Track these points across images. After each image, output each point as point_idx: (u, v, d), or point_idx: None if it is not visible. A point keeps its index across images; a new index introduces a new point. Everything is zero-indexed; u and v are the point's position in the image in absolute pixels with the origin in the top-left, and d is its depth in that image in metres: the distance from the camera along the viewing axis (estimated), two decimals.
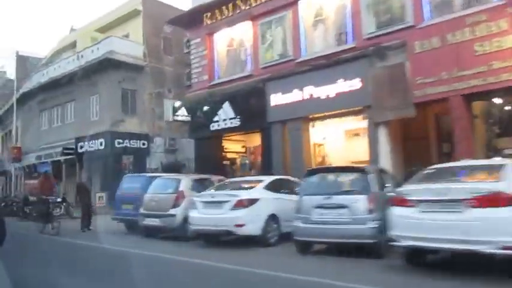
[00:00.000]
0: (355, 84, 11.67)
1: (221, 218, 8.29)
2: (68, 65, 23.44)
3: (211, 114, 15.46)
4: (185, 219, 9.16)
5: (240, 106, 14.57)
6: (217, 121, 15.25)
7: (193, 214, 8.75)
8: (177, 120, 16.38)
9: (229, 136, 15.79)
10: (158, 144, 22.14)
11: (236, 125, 14.66)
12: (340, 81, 11.90)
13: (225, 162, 16.09)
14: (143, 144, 21.38)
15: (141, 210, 10.06)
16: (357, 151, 12.69)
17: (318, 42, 13.31)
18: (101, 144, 20.39)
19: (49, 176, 15.81)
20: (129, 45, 21.46)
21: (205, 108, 15.66)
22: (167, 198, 9.73)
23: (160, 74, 22.78)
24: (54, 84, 24.06)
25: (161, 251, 8.18)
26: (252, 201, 8.32)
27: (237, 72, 15.28)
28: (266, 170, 13.28)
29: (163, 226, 9.56)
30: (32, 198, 17.20)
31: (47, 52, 33.41)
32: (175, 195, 9.64)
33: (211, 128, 15.40)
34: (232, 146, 16.55)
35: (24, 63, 41.59)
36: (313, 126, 13.57)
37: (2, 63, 78.23)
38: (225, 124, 14.98)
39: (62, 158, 23.37)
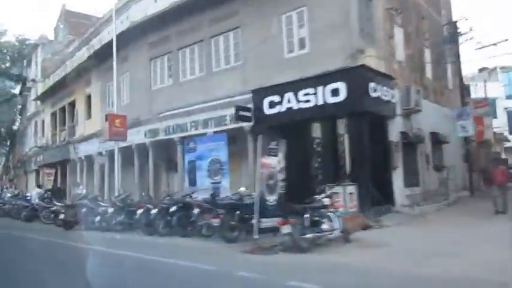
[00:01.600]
0: None
1: None
2: None
3: None
4: None
5: None
6: None
7: None
8: None
9: None
10: (395, 101, 12.54)
11: None
12: None
13: None
14: (392, 96, 11.75)
15: None
16: None
17: None
18: (334, 93, 10.64)
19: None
20: None
21: None
22: None
23: None
24: (185, 10, 14.40)
25: None
26: None
27: None
28: None
29: None
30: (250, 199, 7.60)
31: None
32: None
33: None
34: None
35: (70, 20, 32.19)
36: None
37: (30, 34, 69.78)
38: None
39: (209, 130, 13.67)
